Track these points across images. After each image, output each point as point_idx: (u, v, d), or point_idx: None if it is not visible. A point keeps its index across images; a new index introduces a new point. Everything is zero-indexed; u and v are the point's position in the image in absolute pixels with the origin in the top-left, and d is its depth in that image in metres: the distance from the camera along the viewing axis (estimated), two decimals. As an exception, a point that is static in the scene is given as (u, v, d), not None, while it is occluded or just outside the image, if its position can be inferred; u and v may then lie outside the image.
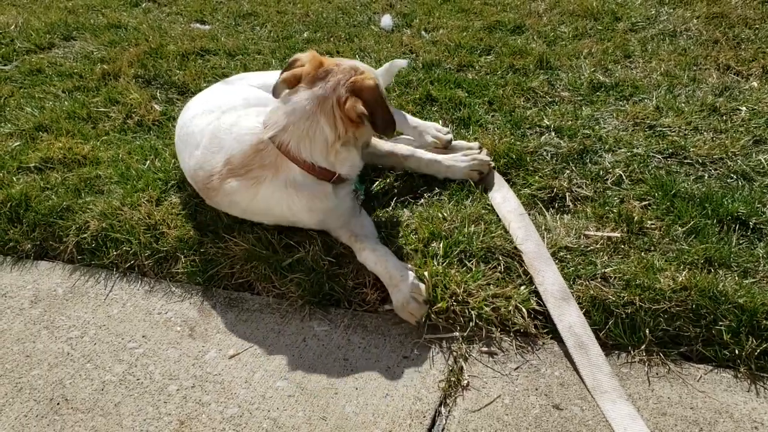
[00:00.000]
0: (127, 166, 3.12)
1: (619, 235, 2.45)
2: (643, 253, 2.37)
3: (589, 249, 2.40)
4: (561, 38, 4.63)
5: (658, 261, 2.31)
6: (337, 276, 2.42)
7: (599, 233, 2.47)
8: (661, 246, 2.40)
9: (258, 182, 2.33)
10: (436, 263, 2.33)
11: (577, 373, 2.03)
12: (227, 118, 2.51)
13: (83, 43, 5.16)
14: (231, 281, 2.50)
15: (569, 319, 2.14)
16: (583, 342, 2.07)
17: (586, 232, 2.48)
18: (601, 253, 2.38)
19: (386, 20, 5.22)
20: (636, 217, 2.52)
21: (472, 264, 2.35)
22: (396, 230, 2.56)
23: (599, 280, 2.26)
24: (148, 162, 3.16)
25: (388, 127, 2.36)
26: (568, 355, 2.08)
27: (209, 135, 2.48)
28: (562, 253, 2.39)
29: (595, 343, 2.07)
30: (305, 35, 5.06)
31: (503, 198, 2.65)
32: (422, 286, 2.23)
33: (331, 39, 4.93)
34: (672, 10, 5.06)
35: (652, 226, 2.50)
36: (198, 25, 5.57)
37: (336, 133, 2.30)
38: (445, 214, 2.58)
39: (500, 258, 2.38)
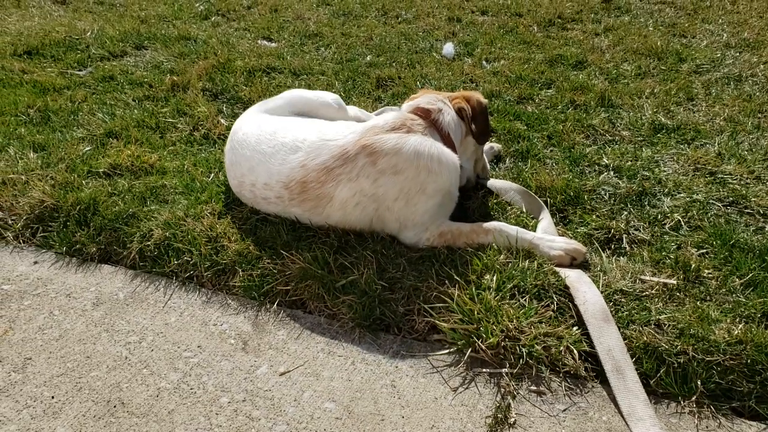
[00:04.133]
0: (192, 177, 3.23)
1: (675, 282, 2.43)
2: (698, 303, 2.34)
3: (644, 294, 2.39)
4: (623, 76, 4.63)
5: (714, 312, 2.28)
6: (389, 301, 2.45)
7: (655, 279, 2.45)
8: (718, 296, 2.38)
9: (407, 135, 2.66)
10: (489, 296, 2.34)
11: (613, 398, 2.05)
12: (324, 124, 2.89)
13: (154, 53, 5.35)
14: (285, 298, 2.56)
15: (609, 341, 2.15)
16: (621, 367, 2.09)
17: (642, 277, 2.47)
18: (656, 300, 2.36)
19: (448, 48, 5.28)
20: (693, 265, 2.50)
21: (525, 300, 2.36)
22: (450, 258, 2.59)
23: (653, 326, 2.24)
24: (213, 175, 3.26)
25: (480, 136, 3.00)
26: (605, 379, 2.09)
27: (316, 137, 2.71)
28: (616, 297, 2.38)
29: (632, 369, 2.08)
30: (368, 59, 5.15)
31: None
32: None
33: (393, 64, 5.01)
34: (738, 54, 5.01)
35: (709, 275, 2.47)
36: (265, 42, 5.72)
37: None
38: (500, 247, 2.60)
39: (553, 296, 2.38)
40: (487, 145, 3.34)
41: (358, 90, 4.47)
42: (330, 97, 3.28)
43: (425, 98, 2.95)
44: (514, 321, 2.26)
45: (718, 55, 5.01)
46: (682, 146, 3.50)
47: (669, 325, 2.23)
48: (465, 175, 3.03)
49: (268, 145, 2.77)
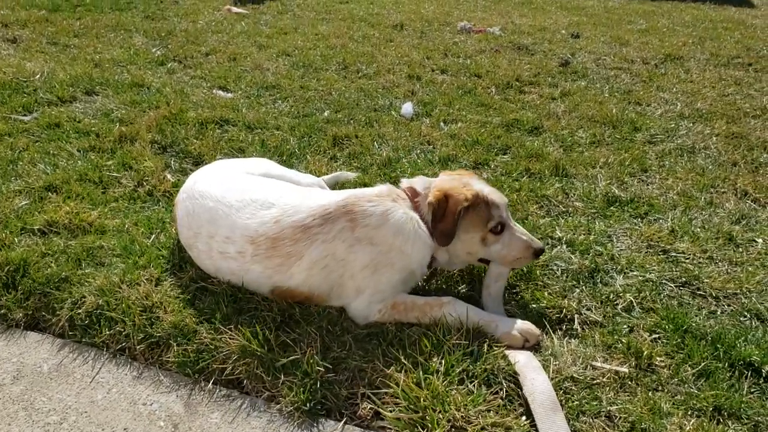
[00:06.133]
0: (131, 239, 3.07)
1: (626, 370, 2.37)
2: (650, 393, 2.27)
3: (595, 382, 2.31)
4: (578, 144, 4.65)
5: (666, 404, 2.21)
6: (332, 383, 2.33)
7: (607, 366, 2.38)
8: (670, 387, 2.31)
9: (393, 210, 2.64)
10: (437, 382, 2.23)
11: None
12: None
13: (105, 99, 5.21)
14: (221, 376, 2.41)
15: None
16: None
17: (594, 363, 2.39)
18: (607, 388, 2.29)
19: (407, 108, 5.25)
20: (645, 352, 2.43)
21: (474, 386, 2.26)
22: (398, 337, 2.49)
23: (603, 418, 2.17)
24: (153, 236, 3.12)
25: (440, 237, 2.67)
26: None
27: (293, 195, 2.72)
28: (567, 384, 2.29)
29: None
30: (326, 114, 5.09)
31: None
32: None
33: (351, 121, 4.96)
34: (692, 125, 5.09)
35: (662, 363, 2.41)
36: (220, 92, 5.63)
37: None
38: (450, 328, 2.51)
39: (503, 382, 2.28)
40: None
41: (313, 148, 4.38)
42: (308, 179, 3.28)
43: (420, 180, 2.87)
44: (462, 409, 2.16)
45: (672, 125, 5.08)
46: (635, 221, 3.49)
47: (620, 418, 2.17)
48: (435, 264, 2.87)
49: (236, 198, 2.70)
